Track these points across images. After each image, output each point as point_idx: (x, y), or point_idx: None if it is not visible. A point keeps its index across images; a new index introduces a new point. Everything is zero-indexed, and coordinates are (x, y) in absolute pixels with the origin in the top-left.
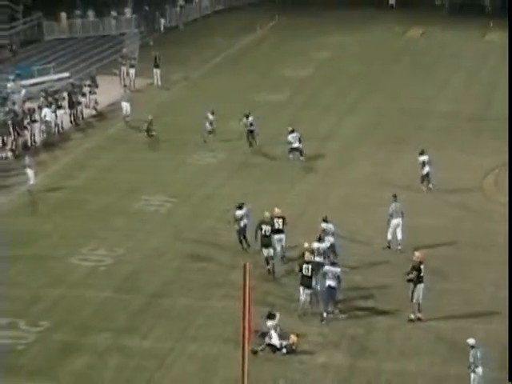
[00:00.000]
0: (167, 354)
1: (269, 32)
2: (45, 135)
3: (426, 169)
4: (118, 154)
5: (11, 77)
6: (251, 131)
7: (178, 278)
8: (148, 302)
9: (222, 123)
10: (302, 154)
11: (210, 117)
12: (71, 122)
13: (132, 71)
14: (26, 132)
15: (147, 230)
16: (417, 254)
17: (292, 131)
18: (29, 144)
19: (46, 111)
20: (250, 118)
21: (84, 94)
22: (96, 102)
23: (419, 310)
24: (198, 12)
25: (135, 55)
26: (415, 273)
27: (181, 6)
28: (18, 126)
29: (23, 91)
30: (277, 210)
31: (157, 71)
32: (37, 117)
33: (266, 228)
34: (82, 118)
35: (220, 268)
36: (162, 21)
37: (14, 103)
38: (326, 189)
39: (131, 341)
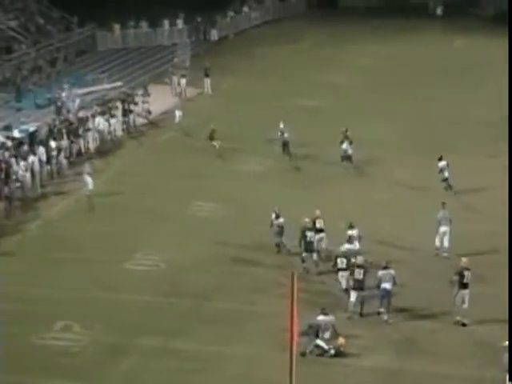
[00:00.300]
0: (213, 357)
1: (314, 41)
2: (98, 143)
3: (446, 174)
4: (170, 161)
5: (66, 86)
6: (285, 143)
7: (225, 281)
8: (196, 306)
9: (270, 131)
10: (351, 160)
11: (281, 126)
12: (123, 130)
13: (183, 81)
14: (80, 140)
15: (197, 236)
16: (463, 259)
17: (345, 137)
18: (83, 151)
19: (99, 120)
20: (286, 135)
21: (136, 103)
22: (149, 111)
23: (463, 315)
24: (248, 22)
25: (186, 65)
26: (457, 277)
27: (231, 17)
28: (73, 134)
29: (77, 100)
30: (317, 212)
31: (207, 80)
32: (90, 125)
33: (310, 234)
34: (135, 126)
35: (266, 272)
36: (213, 31)
37: (68, 112)
38: (367, 194)
39: (179, 343)
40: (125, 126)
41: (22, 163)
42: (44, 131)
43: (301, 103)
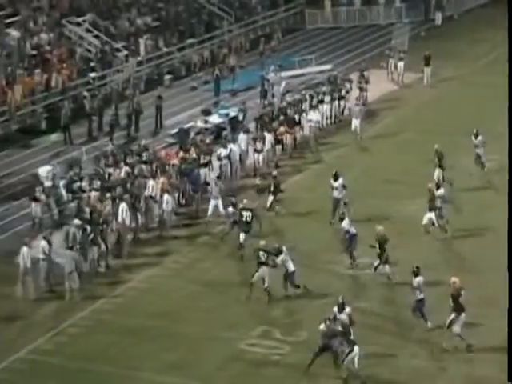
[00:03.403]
0: (437, 375)
1: None
2: (310, 133)
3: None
4: (382, 155)
5: (272, 68)
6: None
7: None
8: (411, 319)
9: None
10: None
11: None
12: (331, 117)
13: (401, 64)
14: (297, 128)
15: (412, 237)
16: None
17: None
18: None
19: (307, 106)
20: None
21: (349, 90)
22: (365, 98)
23: None
24: (474, 1)
25: (405, 47)
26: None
27: None
28: (288, 123)
29: (283, 83)
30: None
31: (427, 70)
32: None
33: None
34: (344, 113)
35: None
36: (438, 14)
37: (273, 96)
38: None
39: (399, 359)
40: (335, 114)
41: (221, 150)
42: (244, 116)
43: None
